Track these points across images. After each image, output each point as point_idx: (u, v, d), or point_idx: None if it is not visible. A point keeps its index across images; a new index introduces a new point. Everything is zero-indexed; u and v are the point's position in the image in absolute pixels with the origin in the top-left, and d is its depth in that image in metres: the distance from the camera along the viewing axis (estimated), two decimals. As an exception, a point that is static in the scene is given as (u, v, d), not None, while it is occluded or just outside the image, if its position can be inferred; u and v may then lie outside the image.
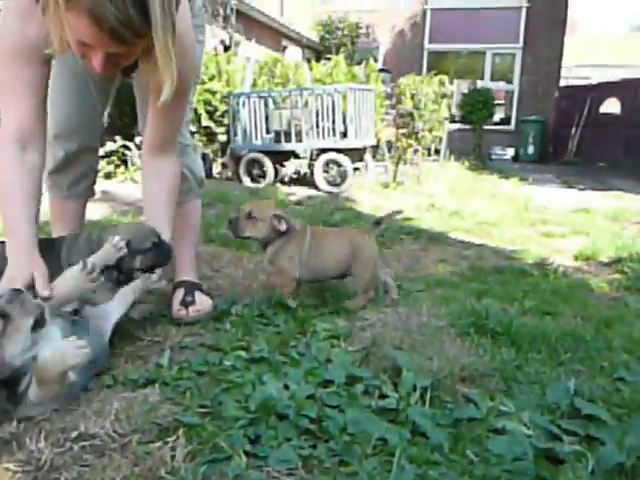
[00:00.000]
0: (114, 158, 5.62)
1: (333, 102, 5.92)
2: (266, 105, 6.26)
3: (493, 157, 12.42)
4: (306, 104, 6.03)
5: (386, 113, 7.20)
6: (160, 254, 1.77)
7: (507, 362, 1.75)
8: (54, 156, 2.18)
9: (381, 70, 7.91)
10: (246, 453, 1.23)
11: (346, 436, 1.31)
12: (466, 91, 10.66)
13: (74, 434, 1.24)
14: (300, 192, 5.88)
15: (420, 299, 2.37)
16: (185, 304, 2.00)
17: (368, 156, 6.53)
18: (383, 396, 1.53)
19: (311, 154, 6.40)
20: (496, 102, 11.06)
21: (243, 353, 1.71)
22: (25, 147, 1.63)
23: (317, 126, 5.99)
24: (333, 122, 5.98)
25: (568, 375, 1.68)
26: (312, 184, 6.15)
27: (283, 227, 2.12)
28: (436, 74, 7.54)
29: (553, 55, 13.19)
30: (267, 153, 6.21)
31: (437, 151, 8.12)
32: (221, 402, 1.41)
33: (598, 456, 1.25)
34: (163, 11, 1.34)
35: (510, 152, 12.86)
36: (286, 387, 1.51)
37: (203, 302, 2.05)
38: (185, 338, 1.82)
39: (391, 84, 7.98)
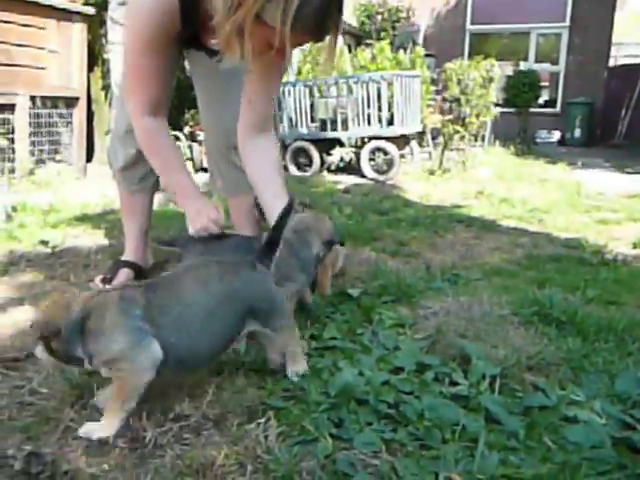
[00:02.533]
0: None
1: (379, 89, 5.90)
2: (311, 93, 6.30)
3: (538, 141, 12.10)
4: (351, 92, 6.03)
5: (432, 99, 7.12)
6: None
7: (574, 351, 1.77)
8: (125, 152, 2.28)
9: (427, 55, 7.80)
10: (332, 436, 1.30)
11: (424, 421, 1.37)
12: (510, 74, 10.41)
13: (172, 415, 1.33)
14: (347, 180, 5.91)
15: (480, 288, 2.39)
16: None
17: (414, 143, 6.49)
18: (453, 383, 1.58)
19: (357, 142, 6.41)
20: (541, 84, 10.76)
21: (314, 342, 1.78)
22: (155, 115, 1.89)
23: (363, 114, 5.99)
24: (379, 109, 5.97)
25: (637, 365, 1.68)
26: (358, 172, 6.18)
27: None
28: (479, 57, 7.39)
29: (602, 33, 12.69)
30: (313, 141, 6.26)
31: (481, 137, 8.00)
32: (302, 387, 1.48)
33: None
34: None
35: (556, 135, 12.51)
36: (361, 374, 1.58)
37: None
38: (258, 326, 1.91)
39: (437, 69, 7.88)
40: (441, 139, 6.94)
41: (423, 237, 3.37)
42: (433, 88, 7.24)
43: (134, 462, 1.19)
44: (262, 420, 1.33)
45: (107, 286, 2.21)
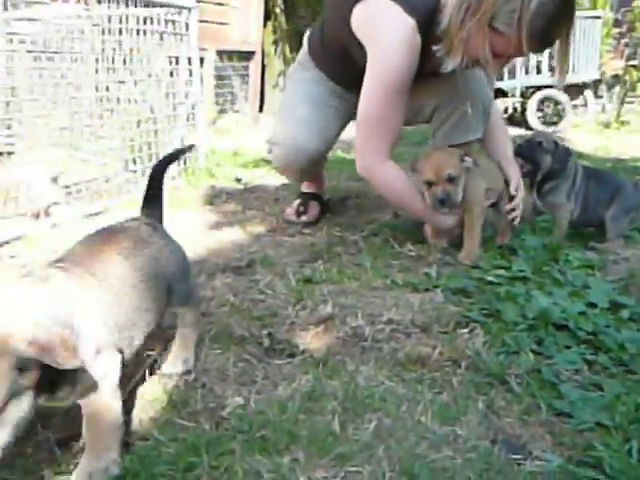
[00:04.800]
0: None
1: (553, 34, 5.50)
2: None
3: None
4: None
5: (617, 43, 6.48)
6: None
7: None
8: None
9: (609, -7, 7.05)
10: (532, 352, 1.38)
11: (626, 351, 1.39)
12: None
13: (384, 318, 1.51)
14: (510, 132, 5.68)
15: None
16: None
17: (588, 92, 6.01)
18: (652, 324, 1.55)
19: (523, 91, 6.10)
20: None
21: (503, 272, 1.85)
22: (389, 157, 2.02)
23: (532, 61, 5.67)
24: (550, 56, 5.59)
25: None
26: (523, 123, 5.90)
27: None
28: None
29: None
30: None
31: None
32: (498, 309, 1.57)
33: None
34: None
35: None
36: (555, 303, 1.62)
37: None
38: (445, 256, 2.02)
39: (621, 9, 7.09)
40: (618, 88, 6.32)
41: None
42: (616, 30, 6.55)
43: (356, 351, 1.38)
44: (466, 330, 1.45)
45: (302, 217, 2.46)
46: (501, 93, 6.15)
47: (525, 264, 1.89)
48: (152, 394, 1.20)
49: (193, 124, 3.38)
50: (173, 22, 3.17)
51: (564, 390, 1.22)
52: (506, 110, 6.12)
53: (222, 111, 5.51)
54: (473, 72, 2.05)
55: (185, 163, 3.25)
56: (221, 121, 5.34)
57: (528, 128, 5.79)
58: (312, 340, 1.44)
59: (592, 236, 2.27)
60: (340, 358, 1.35)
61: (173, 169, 3.11)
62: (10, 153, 2.57)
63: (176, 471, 0.96)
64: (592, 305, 1.65)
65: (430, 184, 1.90)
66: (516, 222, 2.15)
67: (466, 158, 1.92)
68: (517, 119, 6.06)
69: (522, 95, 6.12)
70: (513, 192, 2.11)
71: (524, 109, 5.88)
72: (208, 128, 5.05)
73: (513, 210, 2.12)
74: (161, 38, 3.15)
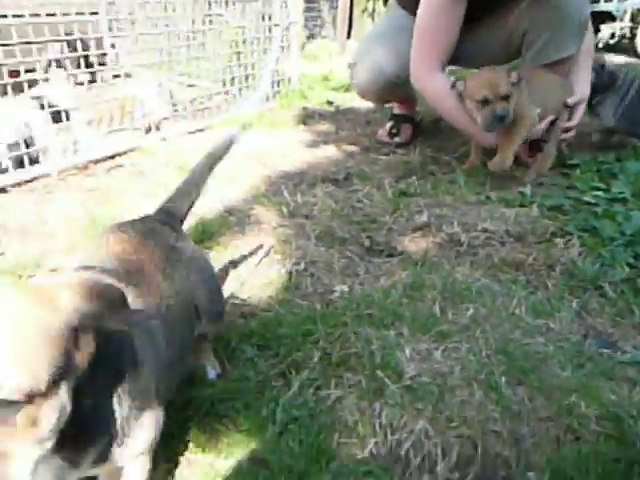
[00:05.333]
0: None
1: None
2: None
3: None
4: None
5: None
6: None
7: None
8: None
9: None
10: (628, 265, 1.40)
11: None
12: None
13: (479, 227, 1.57)
14: (617, 60, 5.29)
15: None
16: None
17: None
18: None
19: (634, 14, 5.58)
20: None
21: (601, 193, 1.84)
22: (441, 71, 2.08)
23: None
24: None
25: None
26: (631, 51, 5.45)
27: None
28: None
29: None
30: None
31: None
32: (595, 226, 1.59)
33: None
34: None
35: None
36: (655, 224, 1.61)
37: None
38: (540, 178, 2.02)
39: None
40: None
41: None
42: None
43: (452, 254, 1.47)
44: (561, 240, 1.49)
45: (395, 139, 2.51)
46: (608, 17, 5.67)
47: (625, 187, 1.86)
48: (267, 277, 1.36)
49: (287, 46, 3.43)
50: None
51: (659, 299, 1.26)
52: (613, 36, 5.67)
53: (310, 36, 5.48)
54: None
55: (278, 85, 3.34)
56: (309, 46, 5.33)
57: (637, 56, 5.36)
58: (409, 244, 1.54)
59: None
60: (437, 259, 1.44)
61: (267, 91, 3.21)
62: (127, 75, 2.76)
63: (296, 335, 1.11)
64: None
65: (485, 102, 1.89)
66: (566, 140, 2.15)
67: (512, 74, 1.90)
68: (624, 46, 5.60)
69: (632, 19, 5.61)
70: (570, 103, 2.07)
71: (633, 35, 5.41)
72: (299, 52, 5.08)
73: (568, 130, 2.10)
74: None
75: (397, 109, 2.66)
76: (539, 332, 1.13)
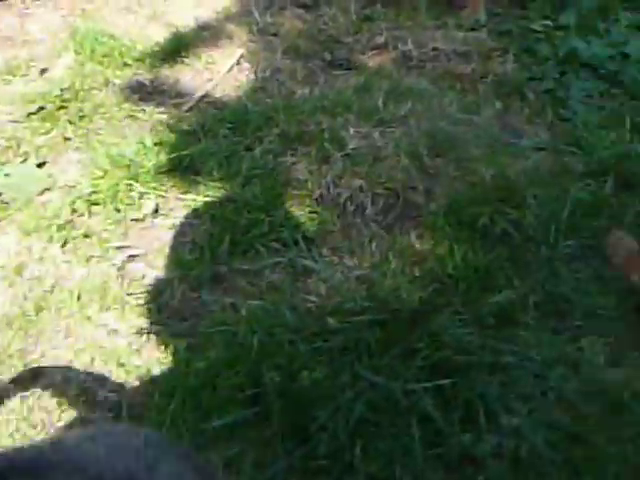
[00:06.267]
0: None
1: None
2: None
3: None
4: None
5: None
6: None
7: None
8: None
9: None
10: (554, 80, 1.61)
11: None
12: None
13: (430, 46, 1.74)
14: None
15: None
16: None
17: None
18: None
19: None
20: None
21: (549, 22, 1.98)
22: None
23: None
24: None
25: None
26: None
27: None
28: None
29: None
30: None
31: None
32: (534, 48, 1.76)
33: None
34: None
35: None
36: (588, 49, 1.79)
37: None
38: (497, 9, 2.13)
39: None
40: None
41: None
42: None
43: (403, 68, 1.65)
44: (500, 58, 1.68)
45: None
46: None
47: (571, 17, 2.00)
48: (237, 81, 1.54)
49: None
50: None
51: (571, 104, 1.49)
52: None
53: None
54: None
55: None
56: None
57: None
58: (366, 60, 1.71)
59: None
60: (388, 71, 1.63)
61: None
62: None
63: (260, 119, 1.32)
64: (625, 55, 1.81)
65: None
66: None
67: None
68: None
69: None
70: None
71: None
72: None
73: None
74: None
75: None
76: (464, 124, 1.37)
